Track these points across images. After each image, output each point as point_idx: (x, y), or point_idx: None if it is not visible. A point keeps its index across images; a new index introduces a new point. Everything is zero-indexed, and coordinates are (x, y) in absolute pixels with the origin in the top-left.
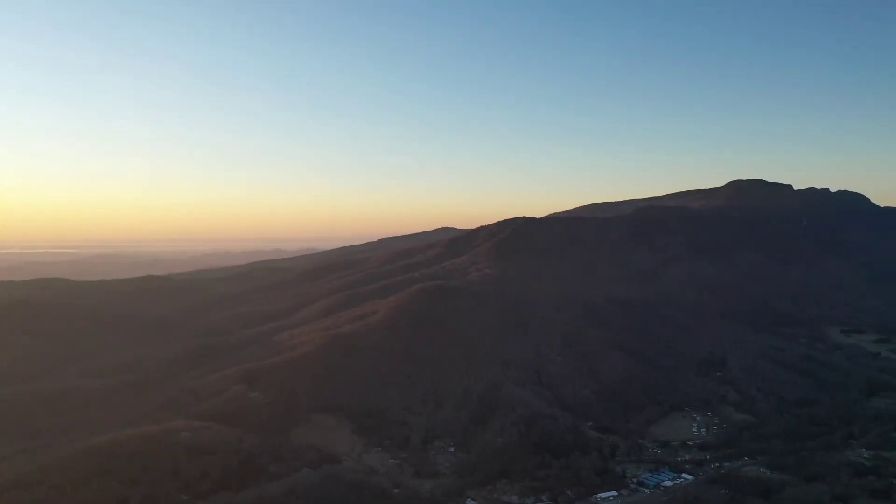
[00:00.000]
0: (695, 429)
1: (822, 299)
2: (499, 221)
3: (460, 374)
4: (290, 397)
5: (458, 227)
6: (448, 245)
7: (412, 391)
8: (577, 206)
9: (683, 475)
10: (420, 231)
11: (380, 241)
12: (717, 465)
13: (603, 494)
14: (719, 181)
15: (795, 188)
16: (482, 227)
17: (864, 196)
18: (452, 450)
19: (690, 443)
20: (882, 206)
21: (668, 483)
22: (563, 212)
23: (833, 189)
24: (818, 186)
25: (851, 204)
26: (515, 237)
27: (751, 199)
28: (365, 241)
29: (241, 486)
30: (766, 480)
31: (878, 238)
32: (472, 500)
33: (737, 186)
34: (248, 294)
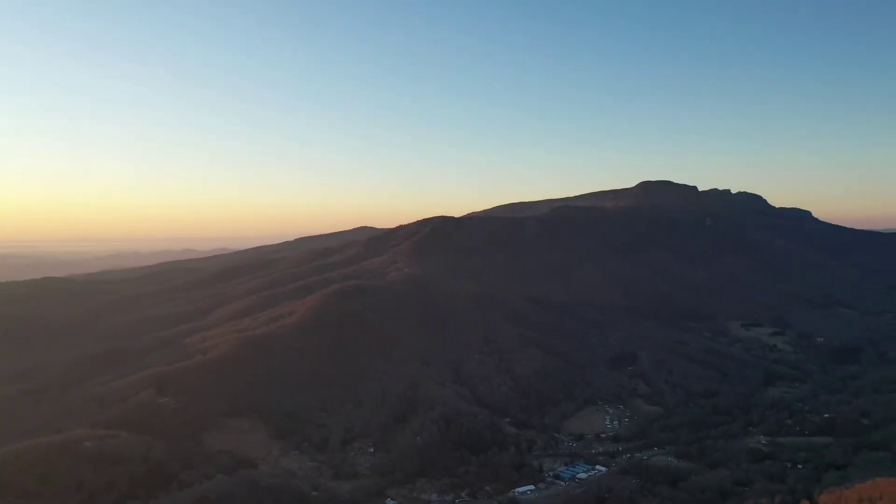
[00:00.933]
0: (608, 421)
1: (724, 295)
2: (418, 220)
3: (379, 373)
4: (203, 402)
5: (377, 226)
6: (367, 244)
7: (330, 392)
8: (495, 205)
9: (597, 467)
10: (338, 230)
11: (296, 240)
12: (628, 455)
13: (520, 489)
14: (630, 182)
15: (700, 189)
16: (401, 226)
17: (761, 197)
18: (372, 450)
19: (604, 435)
20: (777, 206)
21: (582, 475)
22: (481, 211)
23: (734, 190)
24: (720, 188)
25: (750, 204)
26: (434, 236)
27: (659, 199)
28: (281, 241)
29: (150, 495)
30: (674, 469)
31: (774, 237)
32: (392, 499)
33: (646, 187)
34: (158, 296)
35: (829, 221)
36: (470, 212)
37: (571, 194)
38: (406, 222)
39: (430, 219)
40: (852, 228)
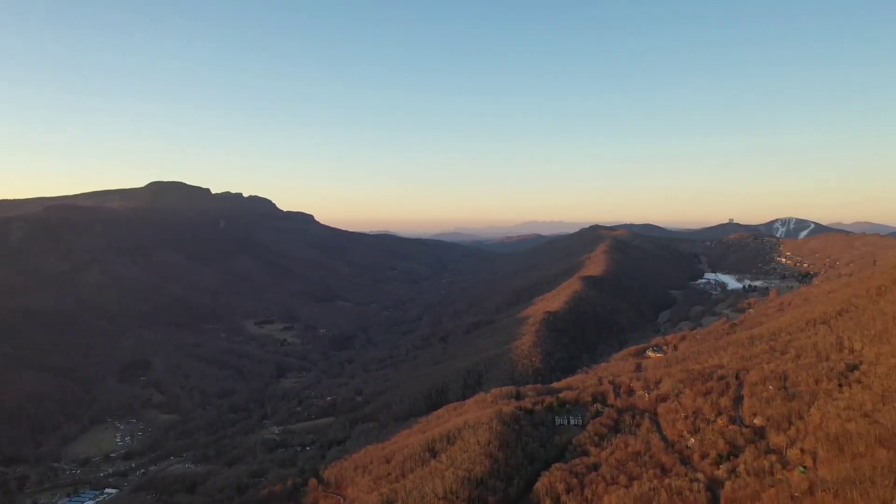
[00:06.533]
0: (119, 439)
1: (238, 295)
2: None
3: None
4: None
5: None
6: None
7: None
8: None
9: (107, 490)
10: None
11: None
12: (143, 471)
13: None
14: (139, 182)
15: (213, 192)
16: None
17: (271, 201)
18: None
19: (114, 454)
20: (285, 210)
21: (90, 503)
22: None
23: (246, 194)
24: (234, 191)
25: (261, 208)
26: None
27: (171, 200)
28: None
29: None
30: (192, 474)
31: (281, 238)
32: None
33: (157, 188)
34: None
35: (328, 224)
36: None
37: (70, 193)
38: None
39: None
40: (346, 230)
